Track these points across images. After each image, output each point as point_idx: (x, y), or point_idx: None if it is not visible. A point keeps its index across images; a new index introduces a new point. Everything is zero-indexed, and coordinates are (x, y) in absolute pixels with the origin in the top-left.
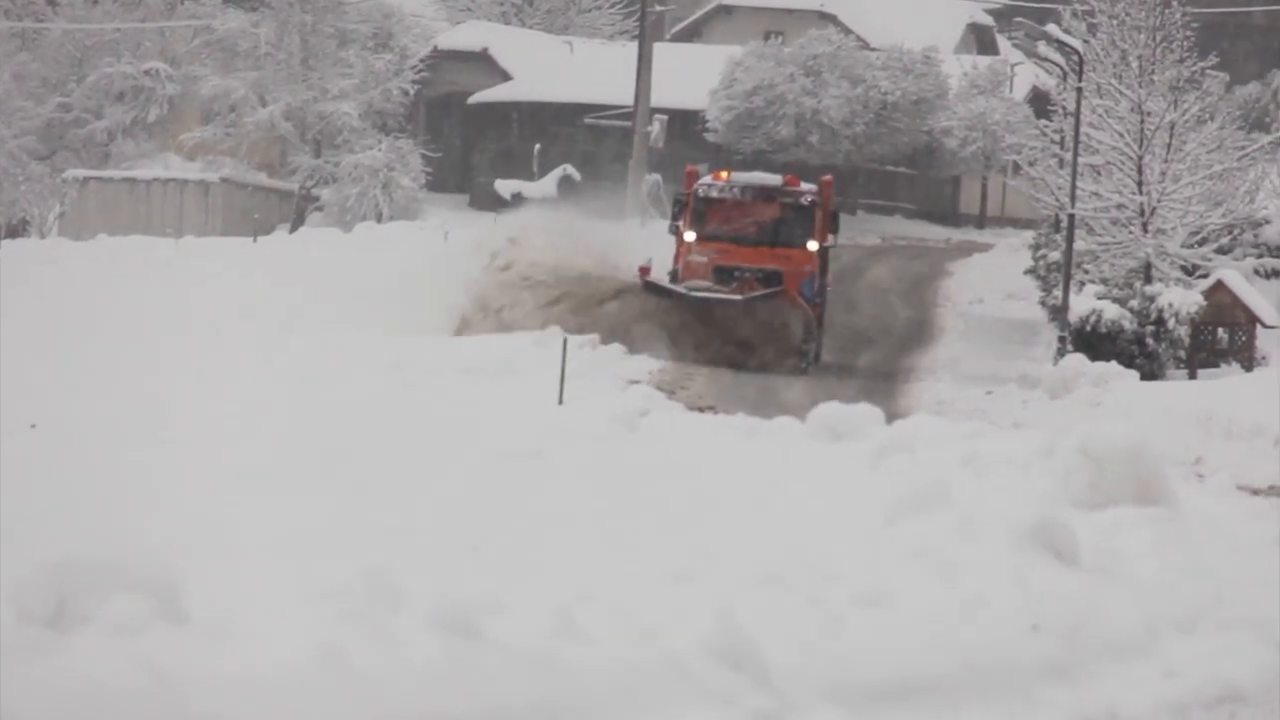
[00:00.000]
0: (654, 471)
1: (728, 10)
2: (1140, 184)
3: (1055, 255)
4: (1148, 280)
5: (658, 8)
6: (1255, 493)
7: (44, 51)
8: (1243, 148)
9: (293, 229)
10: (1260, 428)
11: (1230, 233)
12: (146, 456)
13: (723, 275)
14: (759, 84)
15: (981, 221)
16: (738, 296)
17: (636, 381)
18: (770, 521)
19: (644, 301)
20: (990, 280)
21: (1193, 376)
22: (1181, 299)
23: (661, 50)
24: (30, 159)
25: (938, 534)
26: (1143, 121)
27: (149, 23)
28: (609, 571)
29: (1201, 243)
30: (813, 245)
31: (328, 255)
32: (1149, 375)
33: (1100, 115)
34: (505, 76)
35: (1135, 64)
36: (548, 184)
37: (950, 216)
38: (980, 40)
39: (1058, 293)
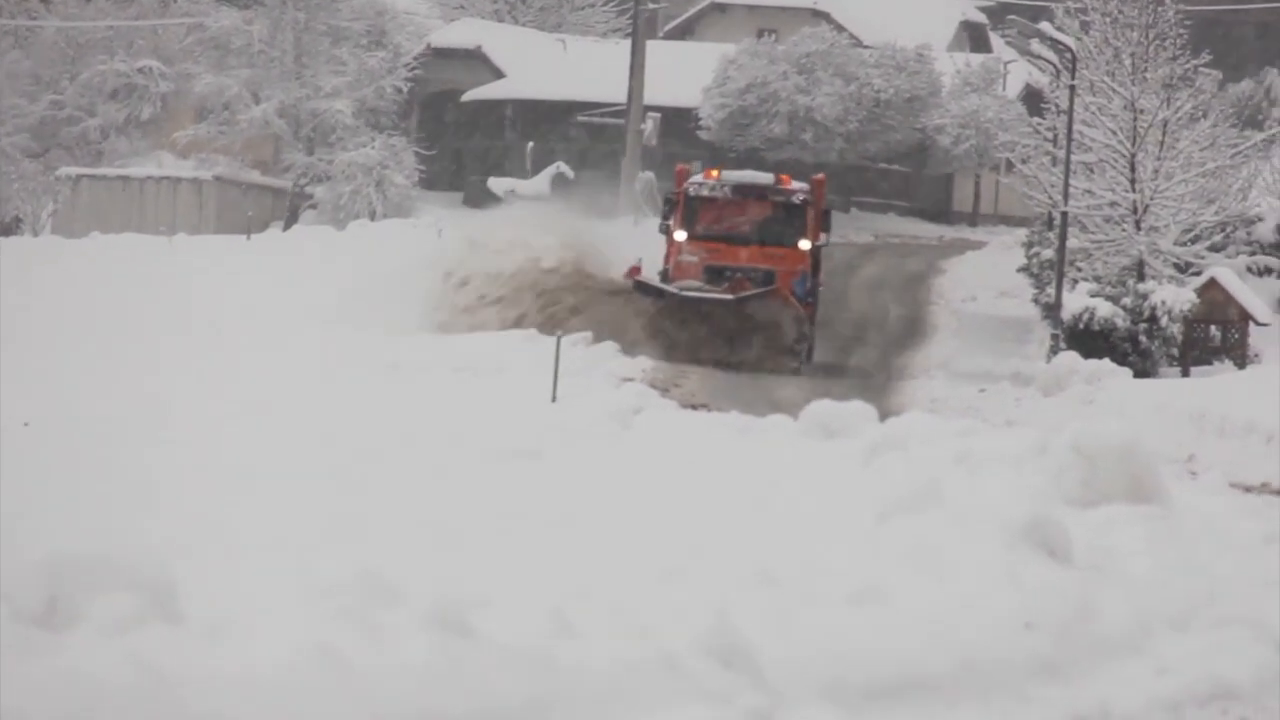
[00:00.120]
0: (647, 469)
1: (721, 8)
2: (1133, 181)
3: (1048, 253)
4: (1141, 278)
5: (650, 5)
6: (1248, 490)
7: (37, 49)
8: (1236, 145)
9: (286, 227)
10: (1253, 425)
11: (1223, 230)
12: (141, 455)
13: (714, 275)
14: (752, 82)
15: (974, 219)
16: (729, 296)
17: (630, 379)
18: (764, 519)
19: (633, 301)
20: (983, 278)
21: (1186, 374)
22: (1174, 297)
23: (654, 48)
24: (23, 157)
25: (931, 532)
26: (1136, 119)
27: (142, 20)
28: (603, 569)
29: (1194, 240)
30: (805, 244)
31: (321, 253)
32: (1142, 373)
33: (1093, 113)
34: (498, 74)
35: (1128, 61)
36: (541, 182)
37: (943, 214)
38: (973, 38)
39: (1051, 290)
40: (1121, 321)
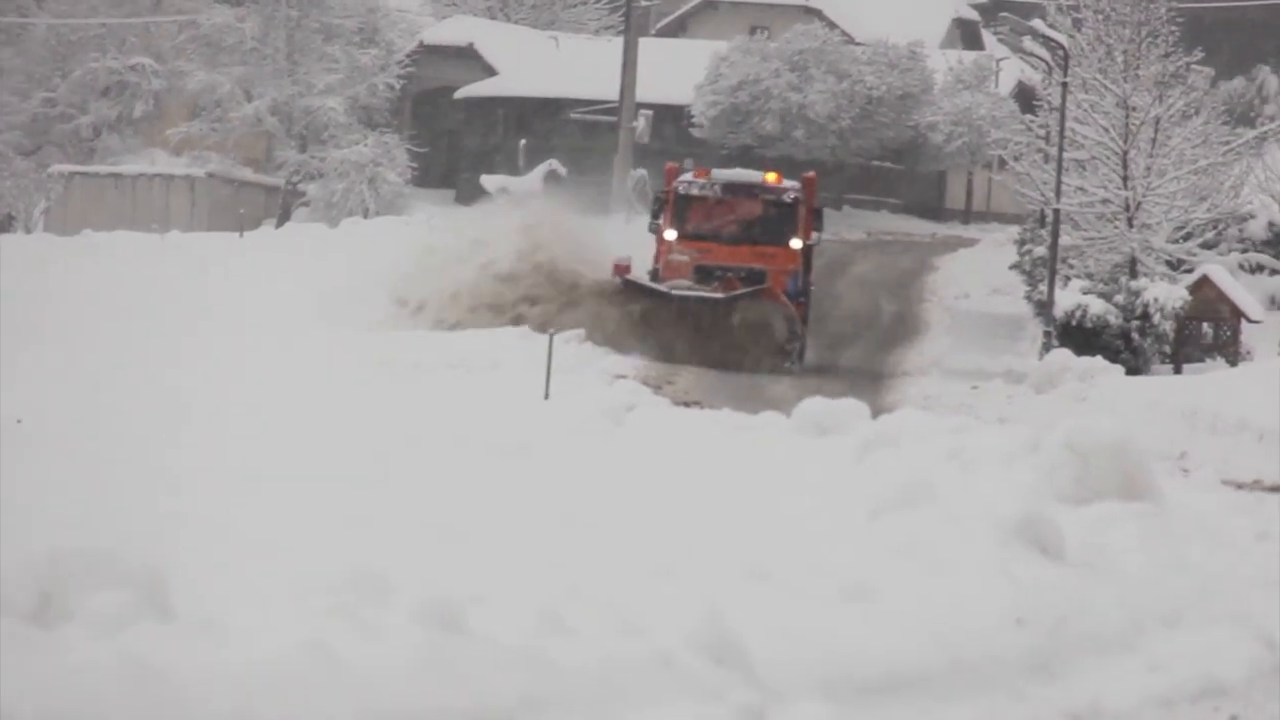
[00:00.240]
0: (640, 466)
1: (713, 5)
2: (1125, 179)
3: (1040, 250)
4: (1133, 275)
5: (643, 3)
6: (1240, 487)
7: (29, 47)
8: (1228, 143)
9: (279, 224)
10: (1245, 422)
11: (1215, 228)
12: (133, 452)
13: (704, 274)
14: (744, 79)
15: (967, 216)
16: (720, 295)
17: (622, 377)
18: (756, 516)
19: (625, 300)
20: (976, 275)
21: (1178, 371)
22: (1166, 294)
23: (647, 45)
24: (15, 154)
25: (923, 529)
26: (1128, 116)
27: (134, 18)
28: (595, 566)
29: (1186, 238)
30: (796, 243)
31: (314, 250)
32: (1134, 370)
33: (1085, 110)
34: (491, 71)
35: (1120, 59)
36: (533, 179)
37: (936, 211)
38: (966, 35)
39: (1043, 288)
40: (1114, 319)
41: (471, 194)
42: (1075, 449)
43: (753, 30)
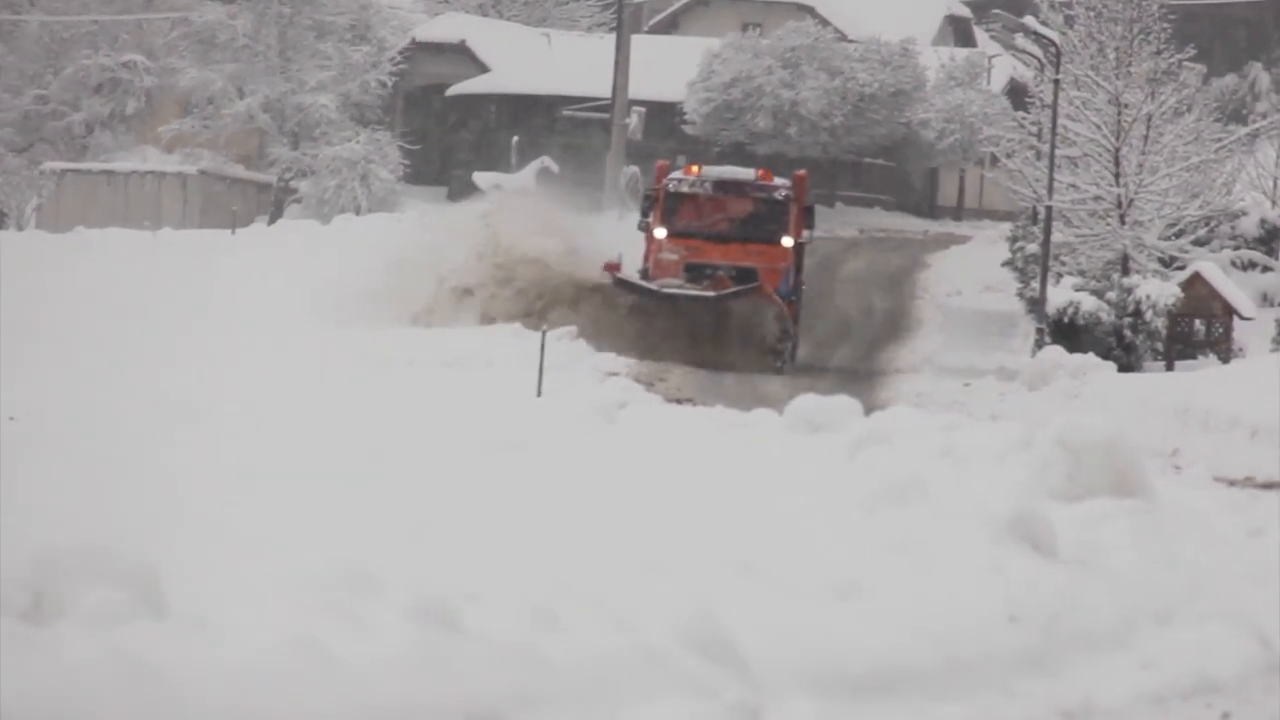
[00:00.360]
0: (632, 463)
1: (705, 2)
2: (1117, 176)
3: (1033, 247)
4: (1125, 272)
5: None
6: (1232, 484)
7: (21, 44)
8: (1220, 139)
9: (271, 221)
10: (1237, 419)
11: (1207, 224)
12: (126, 449)
13: (695, 273)
14: (737, 76)
15: (959, 213)
16: (711, 294)
17: (615, 374)
18: (748, 513)
19: (615, 298)
20: (968, 272)
21: (1170, 368)
22: (1159, 291)
23: (639, 42)
24: (7, 151)
25: (916, 526)
26: (1120, 113)
27: (126, 15)
28: (587, 563)
29: (1179, 234)
30: (787, 241)
31: (306, 248)
32: (1126, 367)
33: (1077, 107)
34: (483, 68)
35: (1112, 56)
36: (526, 176)
37: (928, 209)
38: (958, 32)
39: (1035, 285)
40: (1106, 316)
41: (464, 191)
42: (1067, 446)
43: (745, 27)
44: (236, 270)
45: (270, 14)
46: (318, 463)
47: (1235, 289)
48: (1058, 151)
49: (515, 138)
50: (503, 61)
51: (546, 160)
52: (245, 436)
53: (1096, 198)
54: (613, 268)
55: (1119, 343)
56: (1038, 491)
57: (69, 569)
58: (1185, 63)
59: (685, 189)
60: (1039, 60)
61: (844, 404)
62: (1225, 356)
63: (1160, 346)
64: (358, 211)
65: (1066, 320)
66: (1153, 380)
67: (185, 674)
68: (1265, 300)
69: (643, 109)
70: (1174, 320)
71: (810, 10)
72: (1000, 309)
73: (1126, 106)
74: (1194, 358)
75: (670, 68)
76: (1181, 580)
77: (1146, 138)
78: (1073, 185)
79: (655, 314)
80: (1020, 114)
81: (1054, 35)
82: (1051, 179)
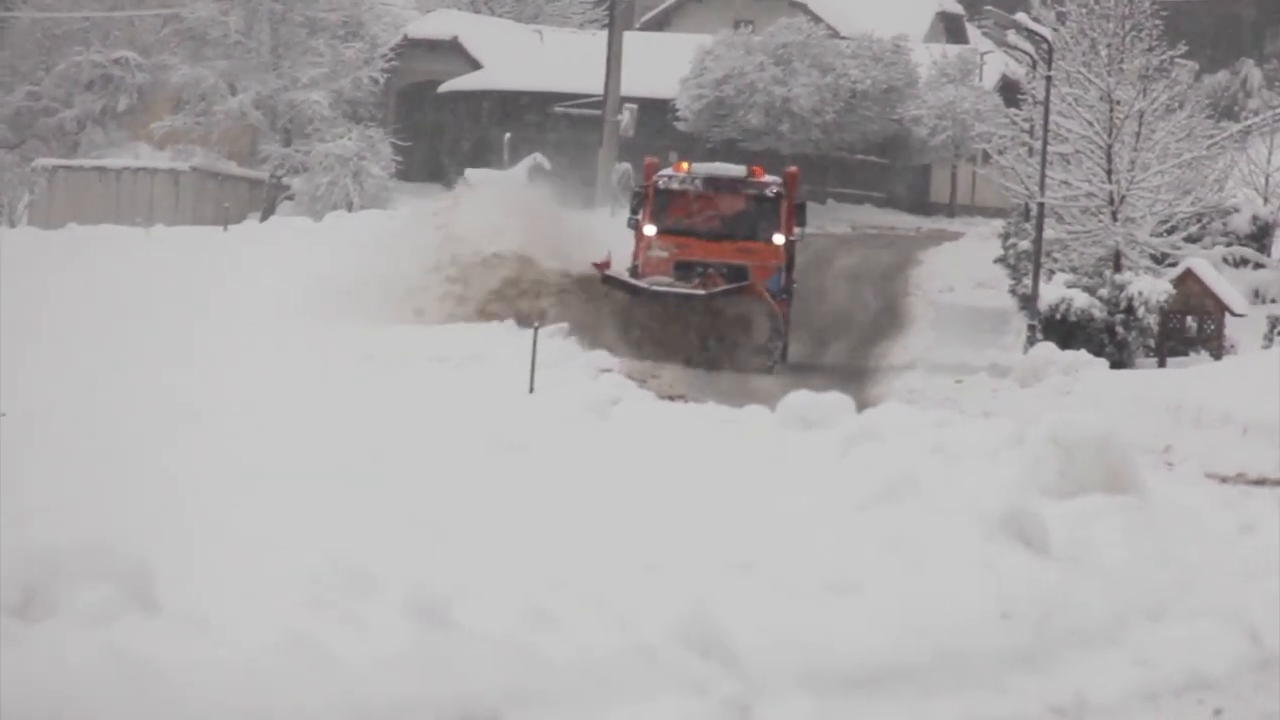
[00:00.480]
0: (625, 460)
1: None
2: (1109, 172)
3: (1025, 244)
4: (1117, 269)
5: None
6: (1224, 480)
7: (12, 40)
8: (1212, 136)
9: (263, 218)
10: (1229, 416)
11: (1199, 221)
12: (119, 446)
13: (684, 271)
14: (729, 72)
15: (951, 210)
16: (701, 292)
17: (607, 370)
18: (741, 509)
19: (605, 297)
20: (960, 269)
21: (1162, 365)
22: (1151, 287)
23: (631, 39)
24: None
25: (908, 522)
26: (1112, 110)
27: (118, 11)
28: (581, 560)
29: (1170, 231)
30: (778, 239)
31: (298, 244)
32: (1118, 364)
33: (1069, 104)
34: (475, 65)
35: (1104, 52)
36: (518, 173)
37: (920, 205)
38: (950, 29)
39: (1028, 281)
40: (1098, 312)
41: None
42: (1059, 443)
43: (737, 24)
44: (228, 267)
45: (262, 10)
46: (309, 459)
47: (1227, 286)
48: (1050, 148)
49: (507, 134)
50: (495, 58)
51: (539, 157)
52: (236, 433)
53: (1089, 194)
54: (601, 266)
55: (1111, 339)
56: (1030, 488)
57: (60, 565)
58: (1177, 59)
59: (675, 186)
60: (1031, 57)
61: (836, 401)
62: (1217, 353)
63: (1152, 343)
64: (350, 208)
65: (1058, 317)
66: (1145, 377)
67: (177, 670)
68: (1257, 297)
69: (635, 106)
70: (1166, 317)
71: (802, 7)
72: (992, 305)
73: (1118, 103)
74: (1186, 354)
75: (662, 64)
76: (1173, 577)
77: (1138, 134)
78: (1065, 182)
79: (644, 312)
80: (1012, 110)
81: (1046, 32)
82: (1043, 175)
